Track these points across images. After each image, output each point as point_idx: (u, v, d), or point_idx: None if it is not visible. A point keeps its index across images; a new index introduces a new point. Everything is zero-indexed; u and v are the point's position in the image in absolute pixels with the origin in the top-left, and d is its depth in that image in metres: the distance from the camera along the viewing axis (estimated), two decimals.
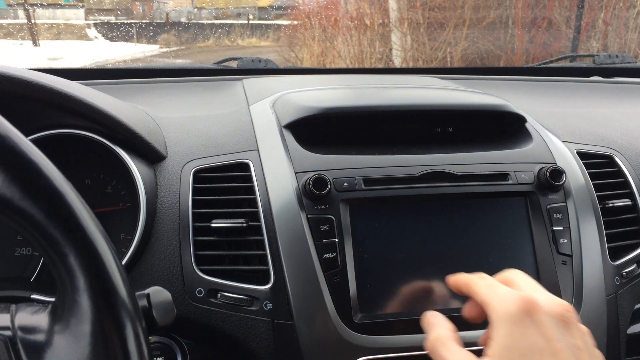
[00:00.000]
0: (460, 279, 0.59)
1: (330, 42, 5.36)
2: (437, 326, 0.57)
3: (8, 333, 0.42)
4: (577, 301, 0.73)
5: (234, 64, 1.40)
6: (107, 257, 0.40)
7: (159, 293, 0.52)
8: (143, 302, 0.50)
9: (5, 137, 0.40)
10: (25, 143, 0.41)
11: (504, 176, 0.78)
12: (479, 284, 0.55)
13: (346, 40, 5.22)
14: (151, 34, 5.94)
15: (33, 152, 0.41)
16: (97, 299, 0.39)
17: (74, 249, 0.40)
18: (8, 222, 0.40)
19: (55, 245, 0.40)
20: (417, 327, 0.69)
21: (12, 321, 0.42)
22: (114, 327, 0.39)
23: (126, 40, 5.48)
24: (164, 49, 5.98)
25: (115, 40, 5.73)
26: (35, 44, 4.02)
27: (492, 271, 0.73)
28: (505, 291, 0.52)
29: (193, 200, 0.76)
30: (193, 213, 0.76)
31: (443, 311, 0.70)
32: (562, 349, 0.46)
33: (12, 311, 0.44)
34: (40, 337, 0.41)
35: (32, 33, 4.15)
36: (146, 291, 0.51)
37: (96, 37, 6.07)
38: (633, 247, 0.82)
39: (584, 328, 0.50)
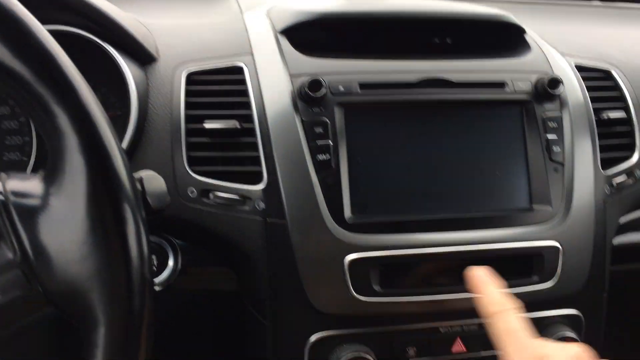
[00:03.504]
0: (476, 283, 0.59)
1: None
2: (504, 305, 0.55)
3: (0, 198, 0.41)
4: (566, 207, 0.74)
5: None
6: (98, 117, 0.40)
7: (151, 177, 0.51)
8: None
9: None
10: (13, 2, 0.39)
11: (501, 84, 0.77)
12: (498, 322, 0.54)
13: None
14: None
15: (22, 11, 0.39)
16: (90, 156, 0.39)
17: (65, 109, 0.38)
18: None
19: (45, 105, 0.38)
20: (407, 227, 0.71)
21: (4, 187, 0.42)
22: (109, 183, 0.39)
23: None
24: None
25: None
26: None
27: (485, 177, 0.74)
28: (520, 347, 0.51)
29: (185, 101, 0.75)
30: (185, 114, 0.74)
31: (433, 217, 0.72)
32: None
33: (3, 178, 0.43)
34: (33, 201, 0.41)
35: None
36: (138, 174, 0.50)
37: None
38: (625, 159, 0.83)
39: None
